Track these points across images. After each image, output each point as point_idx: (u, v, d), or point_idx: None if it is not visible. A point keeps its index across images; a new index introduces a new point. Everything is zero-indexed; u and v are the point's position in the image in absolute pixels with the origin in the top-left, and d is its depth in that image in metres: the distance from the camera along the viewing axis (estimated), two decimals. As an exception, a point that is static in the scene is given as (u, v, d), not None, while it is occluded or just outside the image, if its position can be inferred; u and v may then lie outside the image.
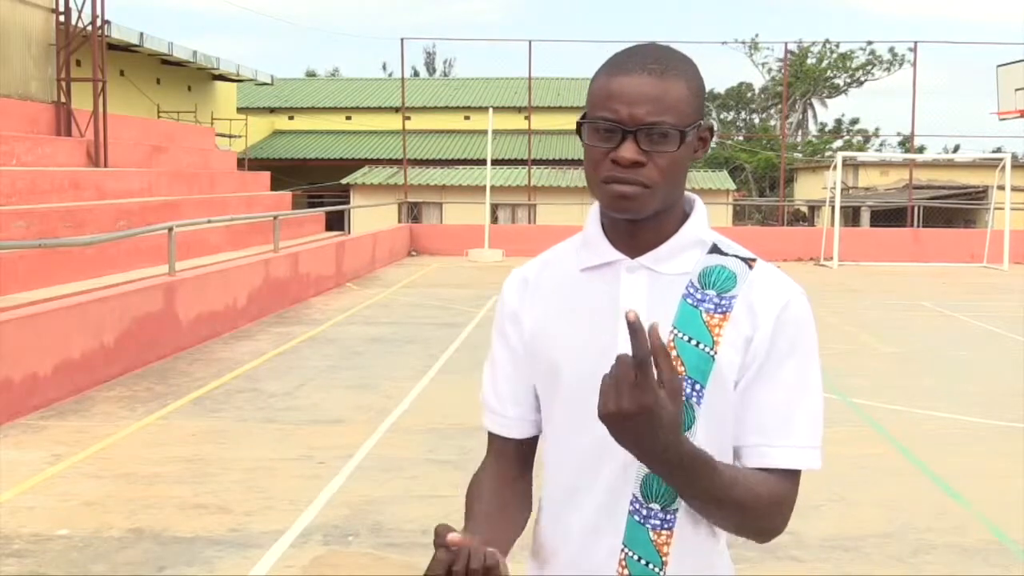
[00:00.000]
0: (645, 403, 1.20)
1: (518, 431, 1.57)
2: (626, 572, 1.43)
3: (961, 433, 7.13)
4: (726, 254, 1.47)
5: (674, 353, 1.40)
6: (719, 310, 1.42)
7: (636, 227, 1.45)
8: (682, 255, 1.46)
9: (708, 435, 1.41)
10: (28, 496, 5.47)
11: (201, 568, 4.50)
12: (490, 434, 1.60)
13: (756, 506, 1.38)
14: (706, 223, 1.49)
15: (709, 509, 1.38)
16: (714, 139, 1.60)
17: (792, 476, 1.42)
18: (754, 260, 1.47)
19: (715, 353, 1.40)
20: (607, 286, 1.47)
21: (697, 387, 1.40)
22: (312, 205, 29.36)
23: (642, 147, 1.37)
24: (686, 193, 1.50)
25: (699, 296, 1.43)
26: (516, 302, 1.57)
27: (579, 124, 1.43)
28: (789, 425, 1.41)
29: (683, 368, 1.40)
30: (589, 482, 1.46)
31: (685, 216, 1.49)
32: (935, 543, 4.91)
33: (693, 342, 1.40)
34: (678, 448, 1.27)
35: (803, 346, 1.43)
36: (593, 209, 1.52)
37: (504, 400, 1.57)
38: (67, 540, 4.80)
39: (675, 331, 1.41)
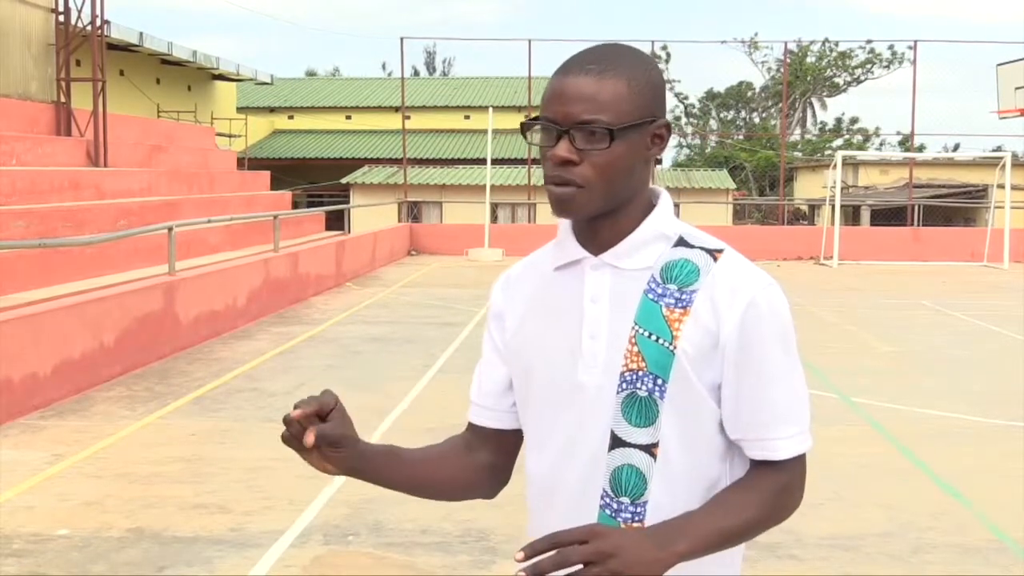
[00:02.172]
0: (599, 548, 1.29)
1: (489, 420, 1.62)
2: None
3: (961, 433, 7.13)
4: (692, 246, 1.47)
5: (635, 349, 1.42)
6: (680, 304, 1.42)
7: (594, 224, 1.47)
8: (644, 250, 1.46)
9: (673, 429, 1.43)
10: (28, 496, 5.47)
11: (201, 568, 4.50)
12: (469, 424, 1.65)
13: (769, 514, 1.45)
14: (670, 216, 1.50)
15: (737, 544, 1.47)
16: (672, 137, 1.62)
17: (798, 460, 1.47)
18: (720, 251, 1.47)
19: (674, 348, 1.41)
20: (574, 284, 1.50)
21: (659, 382, 1.42)
22: (312, 204, 29.35)
23: (576, 146, 1.40)
24: (652, 187, 1.51)
25: (660, 291, 1.44)
26: (501, 301, 1.61)
27: (522, 125, 1.47)
28: (786, 416, 1.45)
29: (644, 364, 1.42)
30: (561, 480, 1.49)
31: (651, 210, 1.49)
32: (935, 543, 4.90)
33: (653, 337, 1.42)
34: (676, 542, 1.35)
35: (781, 336, 1.44)
36: None
37: (484, 395, 1.62)
38: (67, 540, 4.80)
39: (636, 327, 1.43)
